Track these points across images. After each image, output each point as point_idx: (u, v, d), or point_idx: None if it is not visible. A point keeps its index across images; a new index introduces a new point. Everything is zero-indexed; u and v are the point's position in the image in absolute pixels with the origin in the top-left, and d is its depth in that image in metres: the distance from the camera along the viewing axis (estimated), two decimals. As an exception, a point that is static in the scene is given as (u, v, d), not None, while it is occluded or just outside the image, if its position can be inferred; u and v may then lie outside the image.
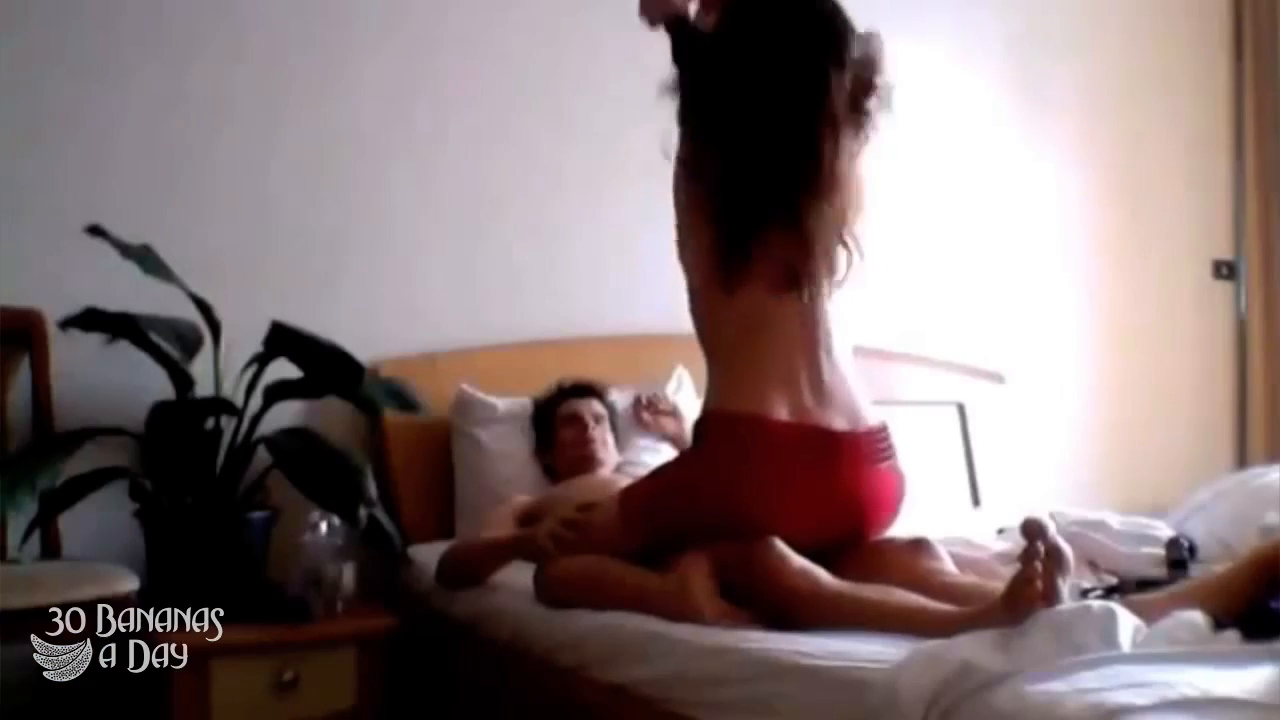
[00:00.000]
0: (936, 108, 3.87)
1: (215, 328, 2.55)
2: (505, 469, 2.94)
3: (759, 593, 2.03)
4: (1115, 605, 1.69)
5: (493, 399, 3.00)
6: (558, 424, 2.90)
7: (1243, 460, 4.18)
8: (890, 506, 2.23)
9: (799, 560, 2.02)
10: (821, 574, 2.02)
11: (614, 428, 2.96)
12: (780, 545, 2.03)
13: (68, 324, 2.49)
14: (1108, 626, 1.63)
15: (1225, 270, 4.39)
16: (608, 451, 2.89)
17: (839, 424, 2.18)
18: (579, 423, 2.87)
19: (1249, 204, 4.38)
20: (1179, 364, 4.29)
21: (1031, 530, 1.75)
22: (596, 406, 2.93)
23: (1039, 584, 1.71)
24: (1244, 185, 4.39)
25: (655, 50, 3.56)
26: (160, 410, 2.46)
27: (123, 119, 2.80)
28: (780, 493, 2.12)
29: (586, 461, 2.84)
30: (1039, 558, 1.72)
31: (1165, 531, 2.50)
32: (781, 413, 2.15)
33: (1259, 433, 4.33)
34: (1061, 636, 1.61)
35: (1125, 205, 4.24)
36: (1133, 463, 4.05)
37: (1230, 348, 4.41)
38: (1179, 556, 2.31)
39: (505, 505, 2.73)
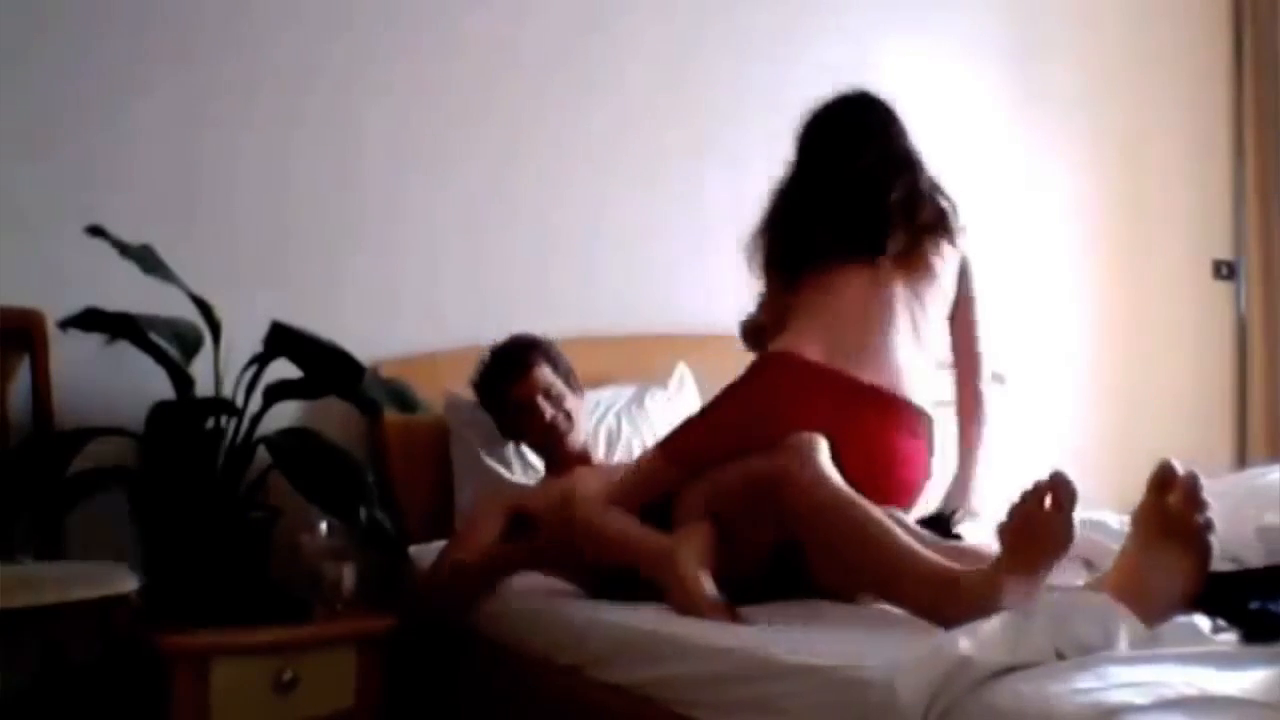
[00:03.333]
0: (938, 108, 3.87)
1: (215, 328, 2.55)
2: (500, 469, 2.93)
3: (779, 496, 2.08)
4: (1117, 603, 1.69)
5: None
6: (515, 416, 2.81)
7: (1243, 460, 4.17)
8: (912, 473, 2.35)
9: (828, 465, 2.10)
10: (847, 491, 2.07)
11: (560, 368, 2.84)
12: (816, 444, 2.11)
13: (68, 324, 2.49)
14: (1108, 620, 1.63)
15: (1225, 270, 4.39)
16: (570, 416, 2.80)
17: (868, 379, 2.32)
18: (533, 409, 2.77)
19: (1249, 204, 4.37)
20: (1179, 364, 4.29)
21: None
22: (539, 378, 2.79)
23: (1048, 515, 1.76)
24: (1244, 185, 4.38)
25: (660, 57, 3.59)
26: (160, 410, 2.46)
27: (123, 119, 2.80)
28: (802, 424, 2.21)
29: (559, 439, 2.79)
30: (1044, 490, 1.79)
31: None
32: (814, 355, 2.32)
33: (1259, 433, 4.33)
34: (1061, 628, 1.61)
35: (1126, 205, 4.23)
36: (1133, 463, 4.03)
37: (1230, 348, 4.40)
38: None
39: (491, 504, 2.69)
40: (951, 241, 2.54)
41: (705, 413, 2.47)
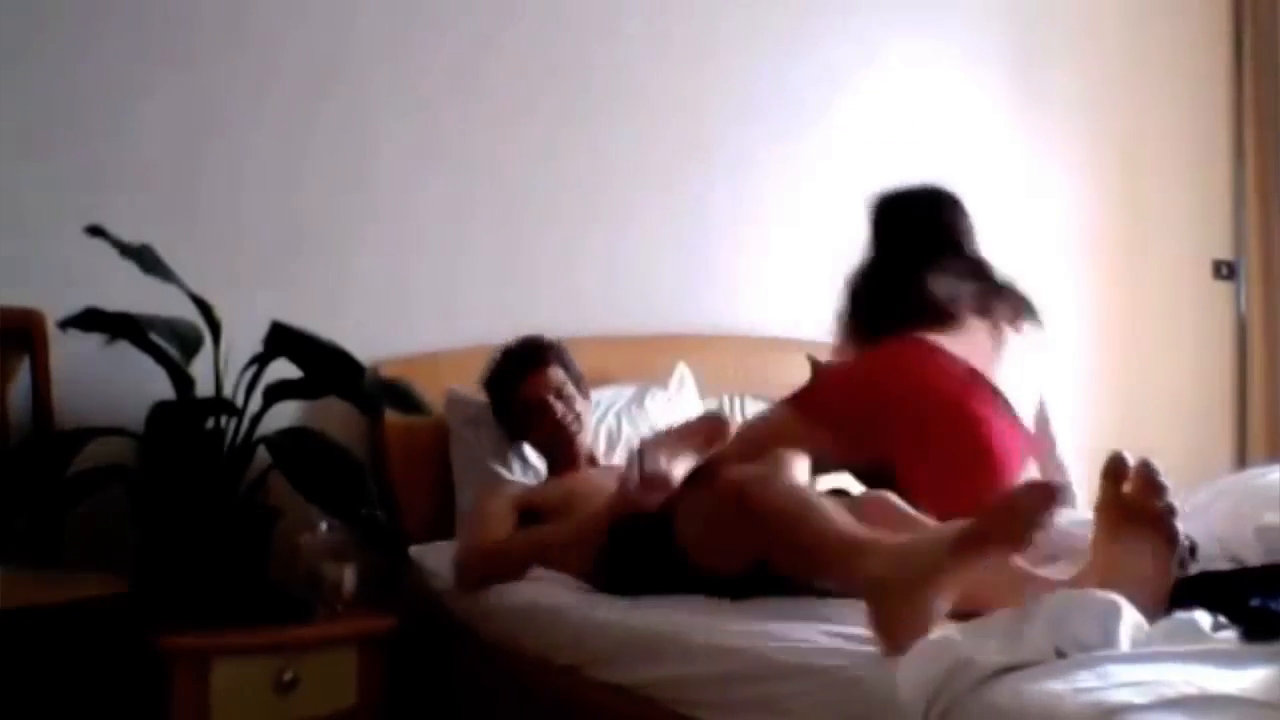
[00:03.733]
0: (938, 109, 3.88)
1: (215, 328, 2.55)
2: (500, 469, 2.92)
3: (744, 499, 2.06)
4: (1119, 599, 1.69)
5: (483, 397, 2.98)
6: (525, 415, 2.80)
7: (1243, 460, 4.18)
8: (1015, 461, 2.43)
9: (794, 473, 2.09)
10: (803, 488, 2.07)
11: (572, 371, 2.84)
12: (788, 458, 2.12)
13: (68, 324, 2.49)
14: (1108, 618, 1.63)
15: (1225, 270, 4.39)
16: (579, 418, 2.80)
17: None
18: (545, 408, 2.77)
19: (1249, 204, 4.38)
20: (1179, 364, 4.29)
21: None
22: (551, 377, 2.79)
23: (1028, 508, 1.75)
24: (1244, 185, 4.38)
25: (671, 59, 3.59)
26: (160, 410, 2.46)
27: (125, 119, 2.80)
28: (930, 387, 2.36)
29: (568, 439, 2.77)
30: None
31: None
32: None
33: (1259, 433, 4.33)
34: (1061, 626, 1.61)
35: (1125, 205, 4.24)
36: (1133, 463, 4.05)
37: (1230, 348, 4.41)
38: (1180, 555, 2.30)
39: (499, 499, 2.68)
40: (1038, 323, 2.72)
41: (838, 371, 2.54)
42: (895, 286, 2.60)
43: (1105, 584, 1.76)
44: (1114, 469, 1.88)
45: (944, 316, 2.53)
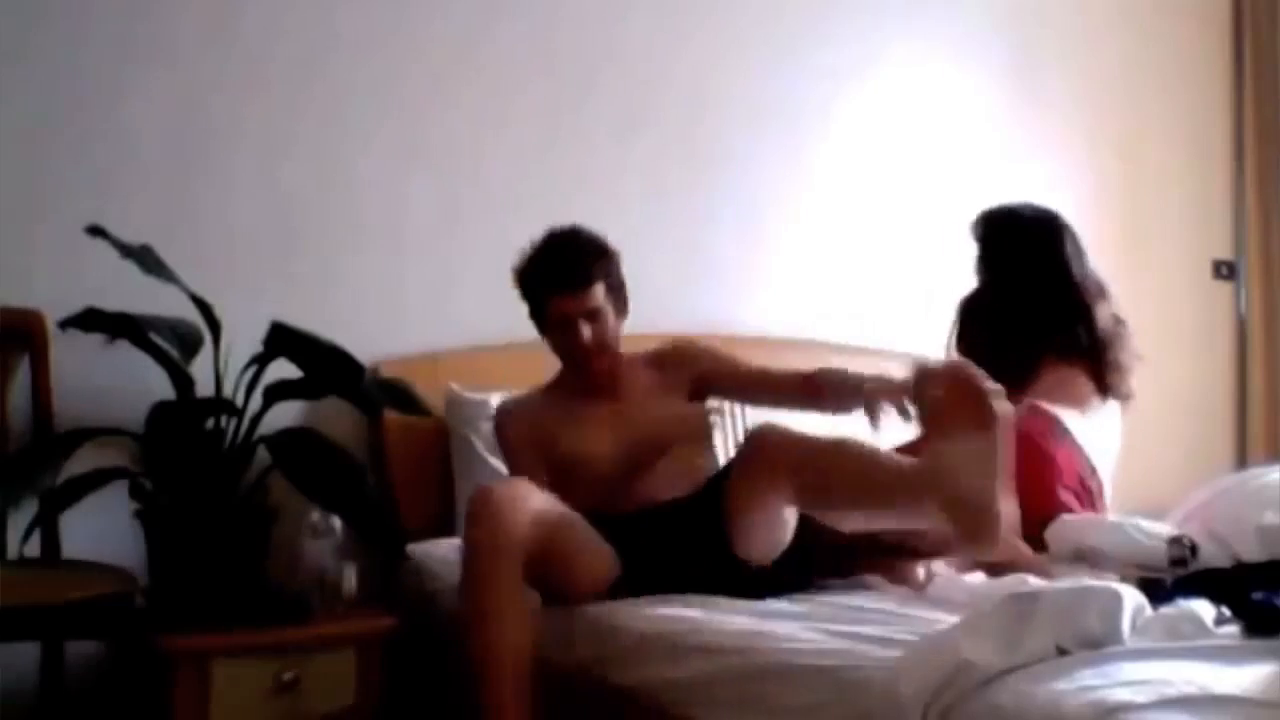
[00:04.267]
0: (936, 108, 3.87)
1: (215, 328, 2.55)
2: (500, 468, 2.91)
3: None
4: (1119, 588, 1.69)
5: (482, 396, 2.97)
6: (548, 321, 2.58)
7: (1243, 460, 4.17)
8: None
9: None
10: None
11: (614, 285, 2.60)
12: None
13: (68, 324, 2.50)
14: (1110, 611, 1.63)
15: (1225, 270, 4.38)
16: (604, 343, 2.57)
17: None
18: (571, 328, 2.54)
19: (1249, 204, 4.37)
20: (1179, 364, 4.28)
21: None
22: (590, 298, 2.53)
23: None
24: (1244, 185, 4.38)
25: (670, 56, 3.56)
26: (160, 410, 2.46)
27: (124, 120, 2.80)
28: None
29: (586, 362, 2.59)
30: None
31: (1166, 530, 2.50)
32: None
33: (1259, 433, 4.33)
34: (1062, 623, 1.61)
35: (1125, 205, 4.23)
36: (1133, 463, 4.04)
37: (1230, 348, 4.40)
38: (1180, 555, 2.30)
39: (524, 454, 2.59)
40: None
41: None
42: (1060, 319, 2.82)
43: (955, 508, 1.89)
44: (919, 379, 2.04)
45: (1105, 359, 2.82)
